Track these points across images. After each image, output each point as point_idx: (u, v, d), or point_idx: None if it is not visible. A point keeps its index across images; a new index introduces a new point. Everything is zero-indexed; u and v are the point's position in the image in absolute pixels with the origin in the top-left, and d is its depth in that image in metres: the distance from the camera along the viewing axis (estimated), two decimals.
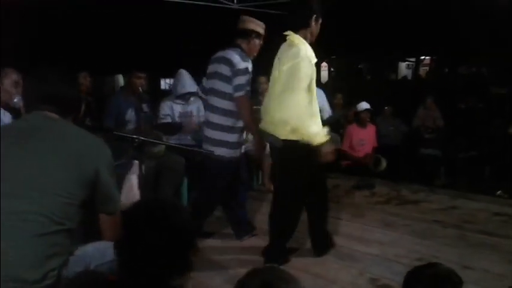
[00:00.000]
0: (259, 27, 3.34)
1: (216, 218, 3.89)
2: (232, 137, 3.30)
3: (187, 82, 4.72)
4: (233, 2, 6.03)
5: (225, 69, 3.20)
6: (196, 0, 5.70)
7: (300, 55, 2.74)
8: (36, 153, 1.66)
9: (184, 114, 4.71)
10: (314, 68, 2.86)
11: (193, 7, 5.90)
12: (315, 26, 2.92)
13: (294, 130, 2.75)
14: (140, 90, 4.41)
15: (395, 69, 20.01)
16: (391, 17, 11.11)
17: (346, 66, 19.17)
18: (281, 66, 2.82)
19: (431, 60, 18.13)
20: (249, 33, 3.29)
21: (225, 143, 3.28)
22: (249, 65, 3.24)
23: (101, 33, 11.71)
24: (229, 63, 3.18)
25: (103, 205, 1.79)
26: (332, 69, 19.78)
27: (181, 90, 4.68)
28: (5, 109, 2.67)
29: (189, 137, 4.63)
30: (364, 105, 6.01)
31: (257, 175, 5.29)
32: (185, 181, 4.37)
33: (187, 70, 4.83)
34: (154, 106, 4.79)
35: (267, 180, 5.10)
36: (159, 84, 17.44)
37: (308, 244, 3.34)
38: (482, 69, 11.08)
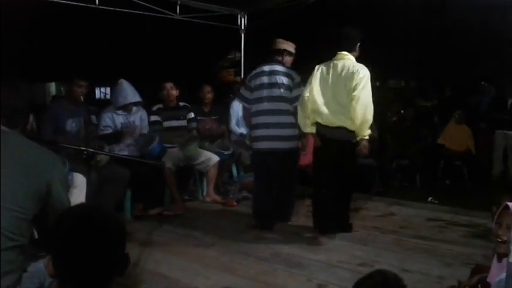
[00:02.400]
0: (290, 47, 4.23)
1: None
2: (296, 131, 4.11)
3: (128, 92, 4.64)
4: (176, 12, 6.01)
5: (287, 81, 4.06)
6: (136, 10, 5.61)
7: (366, 73, 3.67)
8: None
9: (127, 125, 4.62)
10: None
11: (133, 16, 5.80)
12: (358, 51, 3.87)
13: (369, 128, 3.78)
14: (82, 99, 4.27)
15: None
16: (315, 31, 11.51)
17: None
18: (356, 75, 3.63)
19: None
20: (282, 52, 4.19)
21: (294, 137, 4.14)
22: None
23: (30, 39, 11.19)
24: (290, 76, 4.08)
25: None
26: None
27: (123, 101, 4.59)
28: None
29: (132, 148, 4.55)
30: None
31: (202, 187, 5.25)
32: (128, 192, 4.28)
33: (125, 78, 4.76)
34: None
35: (211, 191, 5.08)
36: (94, 93, 16.92)
37: (256, 253, 3.39)
38: (409, 83, 11.75)
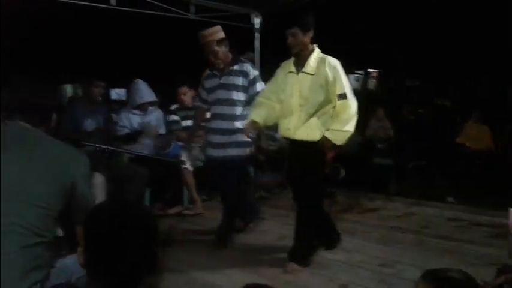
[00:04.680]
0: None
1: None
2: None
3: (144, 92, 4.65)
4: (190, 12, 6.00)
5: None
6: (150, 10, 5.62)
7: None
8: (13, 165, 1.59)
9: (144, 125, 4.63)
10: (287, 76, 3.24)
11: (147, 16, 5.81)
12: None
13: None
14: (99, 99, 4.30)
15: None
16: (335, 31, 11.47)
17: None
18: None
19: (378, 73, 18.83)
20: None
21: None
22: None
23: (46, 42, 11.32)
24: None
25: (80, 215, 1.74)
26: None
27: (139, 100, 4.61)
28: None
29: (150, 148, 4.56)
30: None
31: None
32: (147, 192, 4.28)
33: (140, 79, 4.77)
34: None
35: (197, 198, 4.77)
36: (109, 94, 17.03)
37: (277, 253, 3.36)
38: (427, 82, 11.64)
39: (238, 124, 3.54)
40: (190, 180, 4.63)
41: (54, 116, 1.98)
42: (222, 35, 3.57)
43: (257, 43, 6.65)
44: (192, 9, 5.93)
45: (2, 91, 1.78)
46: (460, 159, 6.57)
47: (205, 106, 3.78)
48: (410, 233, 3.97)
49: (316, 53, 3.15)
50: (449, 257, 3.37)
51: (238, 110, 3.57)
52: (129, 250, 1.27)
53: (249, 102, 3.55)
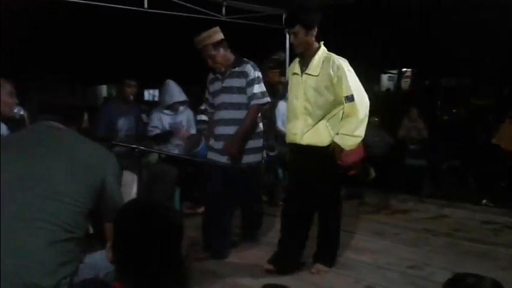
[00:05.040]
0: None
1: None
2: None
3: (175, 92, 4.71)
4: (221, 14, 6.06)
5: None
6: (182, 12, 5.70)
7: None
8: (45, 163, 1.66)
9: (175, 125, 4.70)
10: (292, 78, 3.10)
11: (179, 18, 5.90)
12: None
13: None
14: (131, 98, 4.40)
15: (378, 81, 20.31)
16: (373, 30, 11.33)
17: None
18: None
19: (412, 72, 18.49)
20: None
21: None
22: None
23: (83, 45, 11.67)
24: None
25: (109, 213, 1.79)
26: None
27: (170, 100, 4.67)
28: (1, 120, 2.65)
29: (181, 147, 4.63)
30: None
31: None
32: (177, 191, 4.36)
33: (172, 80, 4.84)
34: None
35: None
36: (142, 95, 17.45)
37: (303, 252, 3.38)
38: (463, 81, 11.36)
39: None
40: None
41: (85, 115, 2.05)
42: (218, 37, 3.35)
43: (288, 43, 6.66)
44: (224, 10, 5.99)
45: (35, 93, 1.86)
46: (495, 160, 6.38)
47: (212, 110, 3.61)
48: (442, 235, 3.90)
49: (321, 52, 2.96)
50: (481, 260, 3.30)
51: (243, 114, 3.35)
52: (155, 249, 1.31)
53: (247, 105, 3.35)
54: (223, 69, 3.39)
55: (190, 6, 5.53)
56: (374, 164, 6.00)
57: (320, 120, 2.94)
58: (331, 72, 2.86)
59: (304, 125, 2.97)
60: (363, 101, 2.89)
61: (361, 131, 2.90)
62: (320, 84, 2.90)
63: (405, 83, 18.04)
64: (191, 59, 3.35)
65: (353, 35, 11.56)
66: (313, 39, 2.94)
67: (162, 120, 4.67)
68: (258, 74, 3.38)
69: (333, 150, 2.94)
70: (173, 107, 4.70)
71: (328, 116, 2.95)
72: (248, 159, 3.38)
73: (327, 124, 2.94)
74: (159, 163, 4.28)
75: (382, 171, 6.01)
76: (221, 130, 3.39)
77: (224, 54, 3.36)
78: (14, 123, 2.55)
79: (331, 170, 3.05)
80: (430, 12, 9.96)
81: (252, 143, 3.39)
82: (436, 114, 8.06)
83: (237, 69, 3.36)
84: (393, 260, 3.35)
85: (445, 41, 10.71)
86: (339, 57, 2.96)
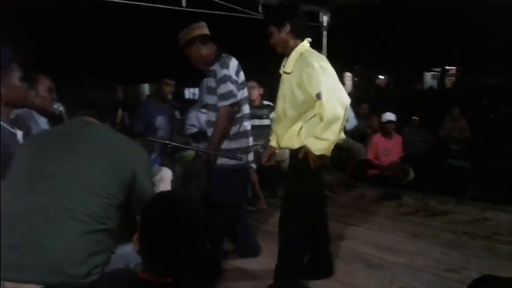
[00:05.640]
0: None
1: None
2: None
3: None
4: (258, 12, 6.08)
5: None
6: (220, 11, 5.76)
7: None
8: (79, 156, 1.73)
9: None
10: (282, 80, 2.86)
11: (217, 17, 5.96)
12: None
13: None
14: (169, 97, 4.49)
15: (421, 79, 19.81)
16: (416, 27, 11.06)
17: (368, 76, 19.10)
18: None
19: (456, 70, 17.94)
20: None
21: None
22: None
23: (124, 44, 12.00)
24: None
25: (139, 206, 1.84)
26: (356, 78, 19.72)
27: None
28: (40, 114, 2.77)
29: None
30: (388, 116, 5.96)
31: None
32: None
33: None
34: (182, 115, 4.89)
35: (260, 194, 4.86)
36: (183, 94, 17.75)
37: (335, 252, 3.34)
38: (510, 79, 10.90)
39: None
40: (254, 177, 4.71)
41: (120, 112, 2.12)
42: (192, 34, 3.06)
43: (325, 41, 6.61)
44: (260, 8, 6.01)
45: (71, 89, 1.94)
46: None
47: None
48: (481, 238, 3.76)
49: (299, 48, 2.71)
50: None
51: None
52: (180, 242, 1.34)
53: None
54: (202, 68, 3.15)
55: (228, 4, 5.58)
56: (413, 164, 5.88)
57: (296, 121, 2.73)
58: (302, 69, 2.62)
59: (282, 127, 2.82)
60: (331, 100, 2.52)
61: (329, 134, 2.53)
62: (293, 82, 2.69)
63: (449, 81, 17.53)
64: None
65: (394, 33, 11.32)
66: (288, 36, 2.71)
67: (199, 118, 4.73)
68: (226, 72, 2.98)
69: (305, 154, 2.63)
70: None
71: (305, 117, 2.69)
72: (227, 161, 3.03)
73: (304, 126, 2.69)
74: (195, 160, 4.34)
75: (422, 171, 5.87)
76: (210, 132, 3.14)
77: (199, 52, 3.07)
78: (53, 118, 2.65)
79: (300, 176, 2.74)
80: (477, 8, 9.62)
81: (233, 144, 3.07)
82: (480, 113, 7.76)
83: (213, 67, 3.05)
84: (429, 262, 3.27)
85: (491, 38, 10.32)
86: (316, 53, 2.70)
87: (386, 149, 5.90)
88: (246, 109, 3.17)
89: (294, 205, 2.76)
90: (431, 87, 18.17)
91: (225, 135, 3.04)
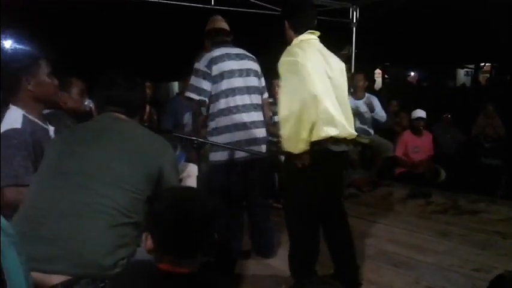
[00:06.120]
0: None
1: None
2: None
3: None
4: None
5: (257, 66, 3.23)
6: (247, 8, 5.80)
7: None
8: (107, 151, 1.78)
9: None
10: None
11: (237, 14, 5.99)
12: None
13: None
14: None
15: (453, 76, 19.34)
16: (448, 23, 10.81)
17: (399, 73, 18.79)
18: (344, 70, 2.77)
19: (491, 67, 17.43)
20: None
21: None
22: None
23: (153, 41, 12.18)
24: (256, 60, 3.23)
25: None
26: (386, 76, 19.43)
27: None
28: (72, 115, 2.86)
29: None
30: (418, 113, 5.87)
31: None
32: None
33: None
34: None
35: None
36: None
37: (361, 250, 3.33)
38: None
39: None
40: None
41: (147, 108, 2.16)
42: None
43: (354, 37, 6.56)
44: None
45: (100, 86, 1.99)
46: None
47: None
48: None
49: (293, 42, 2.66)
50: None
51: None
52: (189, 237, 1.38)
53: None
54: None
55: (255, 1, 5.60)
56: (444, 162, 5.77)
57: None
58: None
59: None
60: (285, 97, 2.52)
61: (284, 131, 2.51)
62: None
63: (483, 78, 17.05)
64: (254, 54, 3.36)
65: (426, 29, 11.09)
66: (290, 31, 2.71)
67: None
68: (196, 65, 3.08)
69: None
70: None
71: None
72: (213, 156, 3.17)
73: None
74: None
75: (453, 170, 5.75)
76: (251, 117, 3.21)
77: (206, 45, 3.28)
78: (84, 119, 2.73)
79: (290, 176, 2.74)
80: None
81: (219, 138, 3.08)
82: None
83: None
84: (457, 262, 3.21)
85: None
86: (299, 46, 2.60)
87: (416, 147, 5.81)
88: (237, 100, 3.10)
89: (290, 205, 2.78)
90: (463, 84, 17.72)
91: (194, 127, 3.21)
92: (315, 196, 2.62)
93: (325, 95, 2.50)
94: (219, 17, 3.34)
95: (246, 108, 3.12)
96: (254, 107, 3.17)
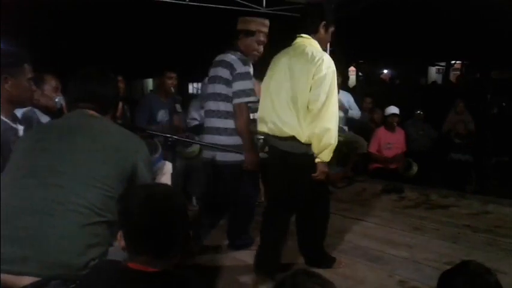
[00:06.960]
0: (250, 24, 3.21)
1: None
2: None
3: None
4: (262, 6, 6.06)
5: (226, 73, 3.12)
6: (222, 4, 5.76)
7: (331, 64, 2.68)
8: (78, 149, 1.74)
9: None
10: None
11: (219, 11, 5.95)
12: (324, 33, 2.82)
13: (327, 141, 2.65)
14: (172, 90, 4.50)
15: (425, 73, 19.70)
16: (420, 22, 10.99)
17: (372, 71, 19.04)
18: (310, 72, 2.63)
19: (461, 64, 17.82)
20: (238, 33, 3.25)
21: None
22: (249, 69, 3.17)
23: (128, 39, 12.03)
24: (230, 66, 3.11)
25: None
26: (360, 73, 19.66)
27: None
28: (44, 112, 2.79)
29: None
30: (391, 109, 5.97)
31: None
32: None
33: None
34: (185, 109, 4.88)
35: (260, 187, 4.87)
36: (187, 89, 17.77)
37: (336, 246, 3.37)
38: None
39: None
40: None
41: (120, 105, 2.12)
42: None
43: None
44: (264, 2, 6.00)
45: (72, 82, 1.94)
46: None
47: None
48: (482, 232, 3.76)
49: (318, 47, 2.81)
50: None
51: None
52: (159, 234, 1.36)
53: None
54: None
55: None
56: (416, 158, 5.88)
57: None
58: None
59: None
60: (330, 110, 2.66)
61: (329, 140, 2.68)
62: None
63: (454, 76, 17.43)
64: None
65: (398, 28, 11.26)
66: (326, 34, 2.85)
67: (200, 112, 4.74)
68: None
69: None
70: None
71: None
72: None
73: None
74: (199, 154, 4.35)
75: (425, 165, 5.87)
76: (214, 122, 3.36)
77: None
78: (56, 116, 2.67)
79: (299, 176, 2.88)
80: (483, 2, 9.55)
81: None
82: (484, 107, 7.72)
83: None
84: (430, 256, 3.27)
85: (497, 32, 10.24)
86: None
87: (389, 143, 5.90)
88: (212, 105, 3.26)
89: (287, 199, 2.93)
90: (434, 82, 18.07)
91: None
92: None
93: None
94: (242, 18, 3.33)
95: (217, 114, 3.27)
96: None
